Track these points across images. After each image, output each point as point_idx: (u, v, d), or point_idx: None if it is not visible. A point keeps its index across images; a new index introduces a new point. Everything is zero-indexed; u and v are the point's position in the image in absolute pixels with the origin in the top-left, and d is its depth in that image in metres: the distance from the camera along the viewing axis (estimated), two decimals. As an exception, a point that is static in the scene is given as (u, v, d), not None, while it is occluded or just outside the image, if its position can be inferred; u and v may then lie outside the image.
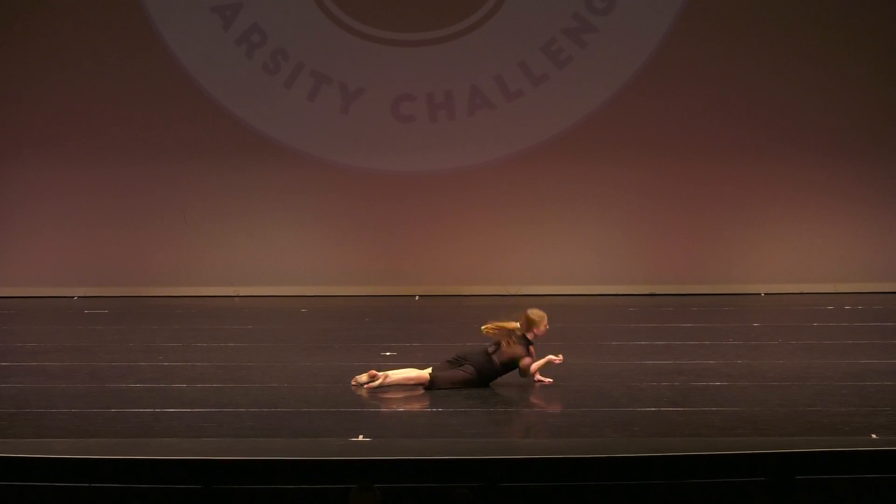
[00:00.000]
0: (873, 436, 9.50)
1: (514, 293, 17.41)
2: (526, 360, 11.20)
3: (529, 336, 11.28)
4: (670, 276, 17.44)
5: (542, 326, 11.30)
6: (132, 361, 12.65)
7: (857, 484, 8.65)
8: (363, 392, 11.06)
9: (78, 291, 17.41)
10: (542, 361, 11.27)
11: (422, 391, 11.13)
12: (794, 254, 17.46)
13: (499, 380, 11.34)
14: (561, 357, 11.27)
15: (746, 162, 17.33)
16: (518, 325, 11.30)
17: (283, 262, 17.47)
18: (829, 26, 17.21)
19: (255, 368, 12.31)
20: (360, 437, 9.54)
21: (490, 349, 11.27)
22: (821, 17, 17.22)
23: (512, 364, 11.22)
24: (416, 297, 17.41)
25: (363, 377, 11.16)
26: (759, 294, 17.40)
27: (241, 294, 17.47)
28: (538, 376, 11.28)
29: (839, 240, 17.49)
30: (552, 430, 10.00)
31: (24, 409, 10.61)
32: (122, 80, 17.24)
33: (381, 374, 11.16)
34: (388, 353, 12.86)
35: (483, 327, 11.38)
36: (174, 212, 17.50)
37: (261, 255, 17.46)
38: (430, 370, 11.21)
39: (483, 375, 11.18)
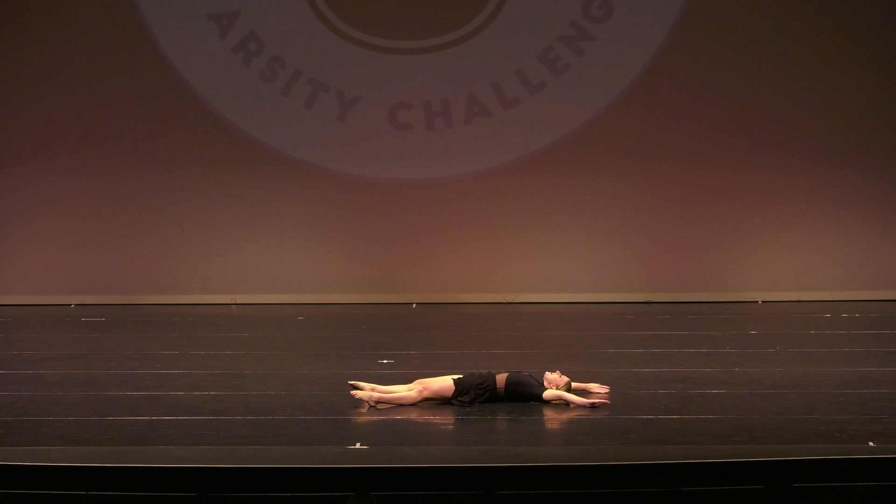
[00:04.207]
0: (870, 443, 9.50)
1: (511, 301, 17.42)
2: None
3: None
4: (667, 283, 17.45)
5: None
6: (129, 369, 12.65)
7: (854, 492, 8.65)
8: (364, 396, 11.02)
9: (75, 299, 17.41)
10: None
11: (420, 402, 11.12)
12: (790, 262, 17.47)
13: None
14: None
15: (743, 170, 17.34)
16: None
17: (280, 269, 17.47)
18: (823, 35, 17.23)
19: (252, 376, 12.31)
20: (358, 445, 9.54)
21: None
22: (816, 26, 17.23)
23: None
24: (414, 305, 17.41)
25: (364, 392, 11.08)
26: (756, 302, 17.41)
27: (238, 302, 17.47)
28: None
29: (836, 248, 17.50)
30: (549, 437, 10.00)
31: (21, 417, 10.60)
32: (118, 88, 17.24)
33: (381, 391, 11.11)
34: (384, 361, 12.86)
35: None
36: (171, 220, 17.50)
37: (258, 263, 17.46)
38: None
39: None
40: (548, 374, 11.10)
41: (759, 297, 17.48)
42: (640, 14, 17.20)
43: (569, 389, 11.06)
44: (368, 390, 11.06)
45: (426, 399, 11.01)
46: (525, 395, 11.01)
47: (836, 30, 17.23)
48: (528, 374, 11.16)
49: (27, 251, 17.47)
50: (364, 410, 10.81)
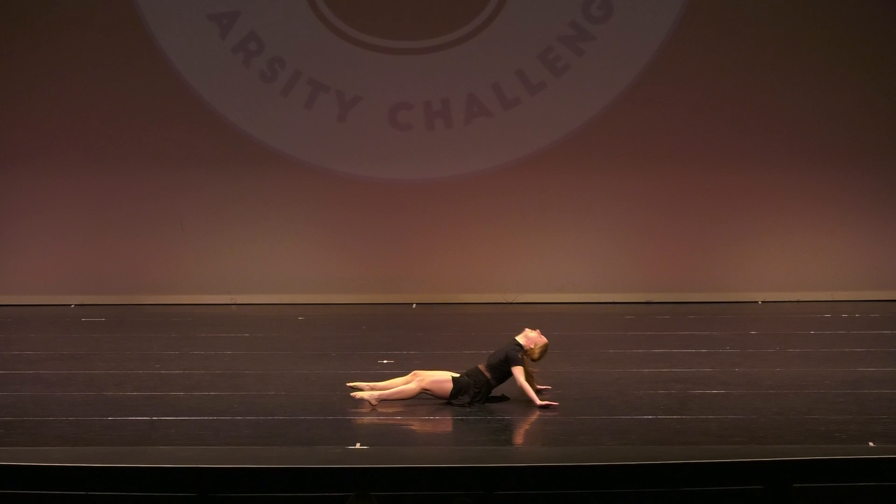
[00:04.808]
0: (870, 444, 9.51)
1: (511, 301, 17.41)
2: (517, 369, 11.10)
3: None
4: (667, 284, 17.45)
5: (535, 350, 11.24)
6: (129, 369, 12.65)
7: (854, 492, 8.65)
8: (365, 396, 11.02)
9: (75, 299, 17.40)
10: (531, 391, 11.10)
11: (424, 400, 11.11)
12: (791, 262, 17.47)
13: (495, 389, 11.31)
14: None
15: (743, 170, 17.34)
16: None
17: (280, 269, 17.47)
18: (824, 35, 17.22)
19: (252, 376, 12.31)
20: (358, 446, 9.54)
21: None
22: (815, 26, 17.23)
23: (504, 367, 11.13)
24: (414, 305, 17.41)
25: (365, 392, 11.07)
26: (757, 302, 17.40)
27: (238, 302, 17.47)
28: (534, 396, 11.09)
29: (836, 248, 17.50)
30: (549, 438, 10.00)
31: (22, 418, 10.60)
32: (118, 88, 17.24)
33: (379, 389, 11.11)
34: (384, 361, 12.86)
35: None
36: (171, 220, 17.50)
37: (258, 263, 17.46)
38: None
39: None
40: (528, 332, 11.13)
41: (760, 297, 17.48)
42: (640, 14, 17.20)
43: (545, 352, 11.07)
44: (368, 390, 11.06)
45: (424, 391, 11.02)
46: (505, 372, 11.03)
47: (836, 30, 17.23)
48: (498, 351, 11.17)
49: (27, 251, 17.46)
50: (366, 410, 10.80)
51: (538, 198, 17.42)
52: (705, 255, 17.50)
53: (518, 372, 10.97)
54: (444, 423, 10.56)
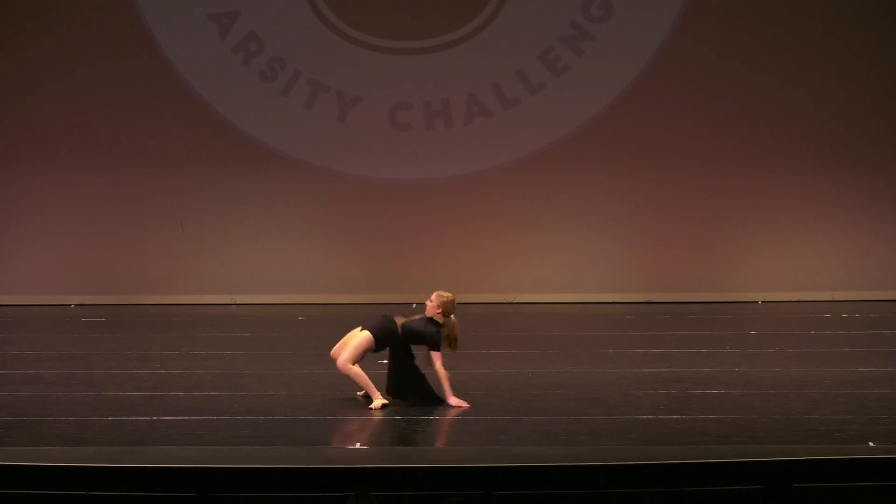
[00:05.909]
0: (870, 443, 9.51)
1: (511, 301, 17.41)
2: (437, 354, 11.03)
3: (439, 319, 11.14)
4: (667, 283, 17.45)
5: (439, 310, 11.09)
6: (129, 369, 12.65)
7: (854, 492, 8.66)
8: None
9: (75, 299, 17.40)
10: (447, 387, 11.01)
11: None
12: (791, 262, 17.48)
13: (496, 388, 11.31)
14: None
15: (743, 170, 17.35)
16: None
17: (280, 269, 17.47)
18: (824, 35, 17.23)
19: (253, 376, 12.31)
20: (357, 445, 9.54)
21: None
22: (816, 26, 17.24)
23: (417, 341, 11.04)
24: (413, 305, 17.37)
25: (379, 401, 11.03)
26: (756, 302, 17.41)
27: (238, 302, 17.47)
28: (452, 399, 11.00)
29: (836, 248, 17.50)
30: (549, 438, 9.99)
31: (22, 418, 10.61)
32: (118, 88, 17.25)
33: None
34: (384, 361, 12.84)
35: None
36: (171, 220, 17.50)
37: (258, 263, 17.46)
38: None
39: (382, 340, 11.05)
40: (428, 303, 11.09)
41: (759, 297, 17.48)
42: (640, 14, 17.20)
43: (450, 310, 11.03)
44: (378, 398, 10.98)
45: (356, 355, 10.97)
46: (418, 345, 11.00)
47: (836, 30, 17.24)
48: (415, 324, 11.09)
49: (27, 251, 17.46)
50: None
51: (538, 197, 17.42)
52: (705, 255, 17.51)
53: (437, 358, 10.92)
54: (443, 423, 10.56)
